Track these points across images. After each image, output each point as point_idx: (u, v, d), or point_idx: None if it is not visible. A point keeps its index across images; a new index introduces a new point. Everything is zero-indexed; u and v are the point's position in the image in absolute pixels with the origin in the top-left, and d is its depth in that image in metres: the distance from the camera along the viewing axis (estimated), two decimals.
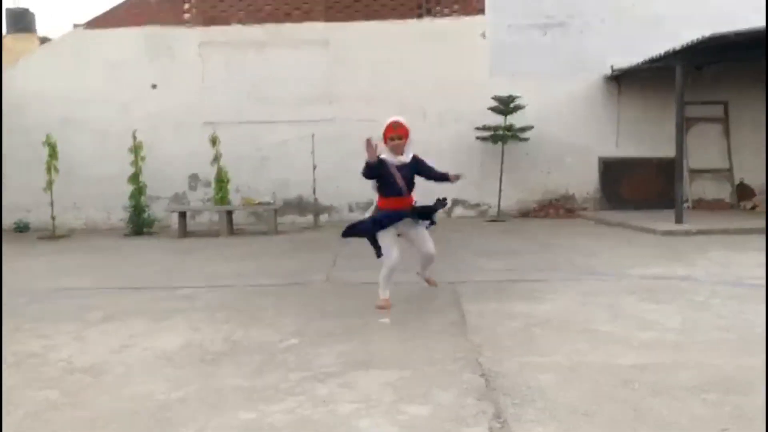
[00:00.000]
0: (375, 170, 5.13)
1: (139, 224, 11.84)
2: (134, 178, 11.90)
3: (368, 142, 4.94)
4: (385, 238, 5.27)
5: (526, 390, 3.36)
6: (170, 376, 3.76)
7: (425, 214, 5.44)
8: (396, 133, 5.19)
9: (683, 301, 5.33)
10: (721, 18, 10.92)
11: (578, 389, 3.35)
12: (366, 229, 5.35)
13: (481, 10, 13.08)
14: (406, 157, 5.27)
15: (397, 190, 5.21)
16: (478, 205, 13.33)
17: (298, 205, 13.17)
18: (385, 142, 5.20)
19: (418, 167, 5.37)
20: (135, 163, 11.89)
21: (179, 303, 5.79)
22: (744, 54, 10.92)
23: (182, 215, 11.53)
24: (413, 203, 5.36)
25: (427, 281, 5.96)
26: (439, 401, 3.24)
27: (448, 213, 13.28)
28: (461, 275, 6.72)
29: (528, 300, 5.50)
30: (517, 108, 12.31)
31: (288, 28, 13.01)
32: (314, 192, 12.65)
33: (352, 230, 5.47)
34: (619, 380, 3.46)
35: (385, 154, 5.17)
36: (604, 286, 6.05)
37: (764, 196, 12.49)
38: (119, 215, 12.54)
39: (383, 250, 5.30)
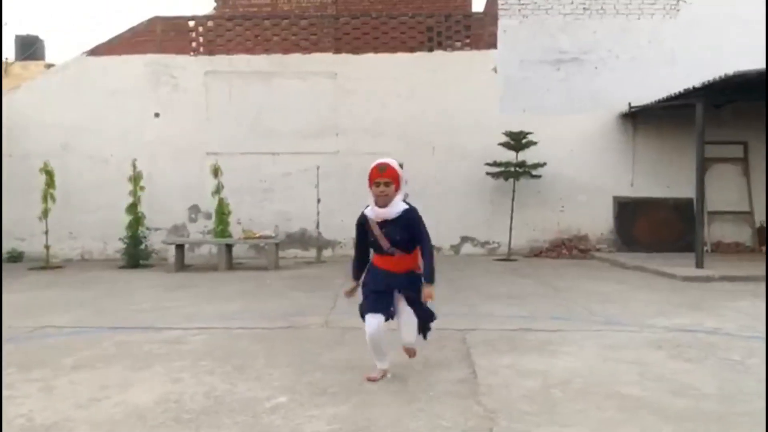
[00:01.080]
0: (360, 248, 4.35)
1: (136, 256, 11.41)
2: (132, 207, 11.51)
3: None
4: (367, 300, 4.24)
5: None
6: None
7: (412, 299, 4.26)
8: (381, 178, 4.04)
9: (717, 360, 4.81)
10: (737, 57, 10.53)
11: None
12: (362, 314, 4.27)
13: (492, 45, 12.79)
14: (393, 210, 4.09)
15: (381, 248, 4.19)
16: (487, 242, 12.84)
17: (301, 239, 12.73)
18: (370, 188, 4.12)
19: (410, 229, 4.13)
20: (134, 192, 11.52)
21: (163, 347, 5.31)
22: (765, 93, 10.53)
23: (180, 248, 11.10)
24: (411, 268, 4.23)
25: (408, 352, 4.57)
26: None
27: (456, 250, 12.81)
28: (470, 322, 6.22)
29: (544, 354, 4.99)
30: (529, 144, 11.92)
31: (295, 58, 12.72)
32: (318, 226, 12.22)
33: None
34: None
35: (369, 209, 4.18)
36: (626, 338, 5.54)
37: None
38: (116, 246, 12.09)
39: (362, 315, 4.26)
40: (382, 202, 4.10)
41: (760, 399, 3.88)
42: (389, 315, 4.23)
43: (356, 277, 4.35)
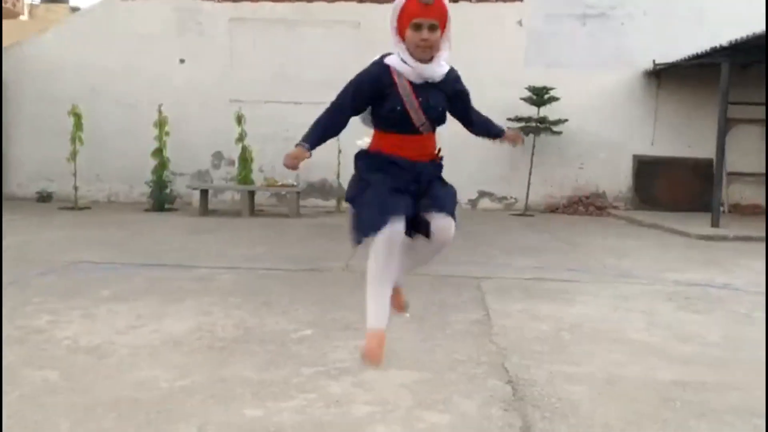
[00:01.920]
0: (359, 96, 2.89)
1: (161, 200, 11.71)
2: (158, 152, 11.76)
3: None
4: (378, 189, 2.81)
5: (557, 402, 3.09)
6: (177, 363, 3.55)
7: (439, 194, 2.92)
8: (428, 18, 2.70)
9: (724, 312, 5.00)
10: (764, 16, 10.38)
11: (614, 405, 3.07)
12: (369, 224, 2.75)
13: None
14: (440, 70, 2.86)
15: (409, 125, 2.85)
16: (504, 198, 12.98)
17: (322, 189, 12.94)
18: (401, 35, 2.79)
19: (458, 99, 3.02)
20: (159, 137, 11.74)
21: (192, 284, 5.59)
22: None
23: (204, 193, 11.37)
24: (435, 153, 3.01)
25: (397, 301, 3.19)
26: (461, 410, 2.98)
27: (474, 205, 12.96)
28: (486, 271, 6.43)
29: (557, 301, 5.20)
30: (552, 100, 11.91)
31: (319, 6, 12.71)
32: (338, 176, 12.40)
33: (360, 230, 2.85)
34: (659, 398, 3.17)
35: (394, 58, 2.83)
36: (637, 290, 5.73)
37: None
38: (141, 189, 12.41)
39: (368, 214, 2.77)
40: (426, 55, 2.80)
41: (762, 348, 4.06)
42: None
43: (312, 142, 2.90)
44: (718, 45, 9.85)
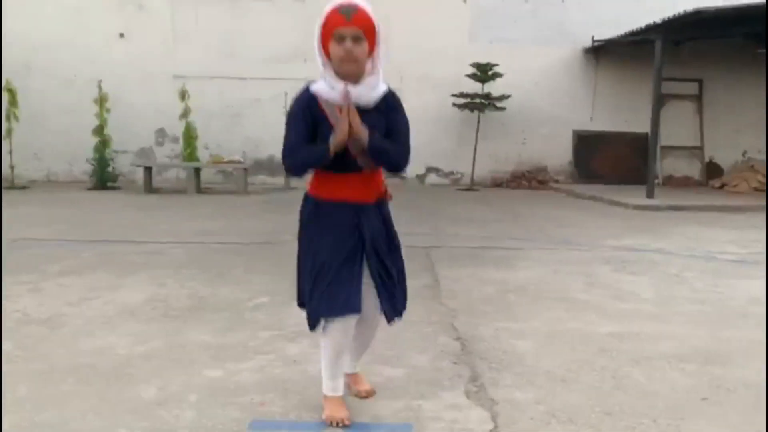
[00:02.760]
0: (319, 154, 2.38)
1: (103, 178, 11.46)
2: (99, 130, 11.48)
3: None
4: (326, 278, 2.45)
5: (502, 355, 3.28)
6: (132, 331, 3.59)
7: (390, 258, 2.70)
8: (349, 28, 2.30)
9: (657, 273, 5.31)
10: None
11: (556, 356, 3.28)
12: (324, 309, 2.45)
13: None
14: (375, 91, 2.42)
15: (346, 161, 2.41)
16: (451, 173, 13.22)
17: (269, 166, 12.88)
18: (326, 52, 2.36)
19: (391, 125, 2.50)
20: (100, 114, 11.46)
21: (144, 258, 5.57)
22: (723, 31, 10.93)
23: (148, 170, 11.17)
24: (382, 192, 2.60)
25: (361, 387, 2.80)
26: (414, 364, 3.14)
27: (422, 180, 13.16)
28: (435, 241, 6.62)
29: (502, 267, 5.42)
30: (495, 76, 12.15)
31: None
32: None
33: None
34: (597, 348, 3.40)
35: (320, 83, 2.38)
36: (577, 255, 6.01)
37: (732, 176, 12.63)
38: (82, 168, 12.10)
39: (328, 300, 2.43)
40: (353, 71, 2.36)
41: (691, 303, 4.37)
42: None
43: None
44: (652, 22, 10.22)
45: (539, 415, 2.59)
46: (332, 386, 2.58)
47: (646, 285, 4.88)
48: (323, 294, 2.43)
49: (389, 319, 2.63)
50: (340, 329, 2.46)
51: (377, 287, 2.57)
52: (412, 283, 4.71)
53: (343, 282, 2.42)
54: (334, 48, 2.31)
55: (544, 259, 5.78)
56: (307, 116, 2.39)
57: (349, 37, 2.29)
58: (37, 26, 12.27)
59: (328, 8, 2.33)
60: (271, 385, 2.86)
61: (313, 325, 2.51)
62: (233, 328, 3.67)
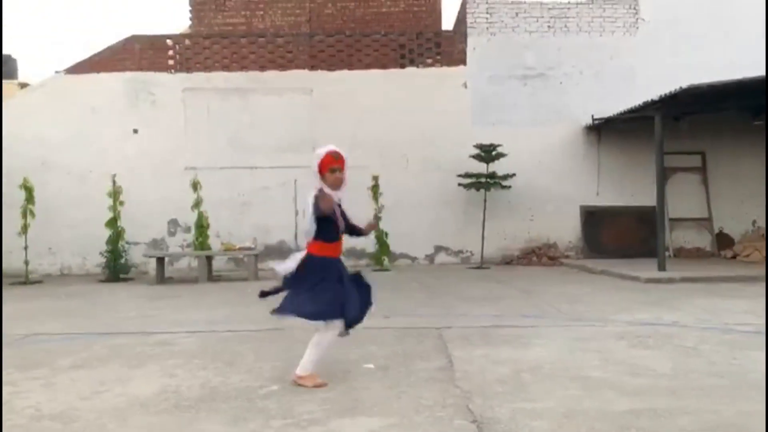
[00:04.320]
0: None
1: (116, 270, 11.56)
2: (112, 222, 11.68)
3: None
4: (333, 288, 4.22)
5: None
6: (144, 423, 3.55)
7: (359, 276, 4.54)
8: (338, 165, 4.18)
9: (673, 347, 5.24)
10: (695, 71, 11.15)
11: None
12: (333, 311, 4.23)
13: (462, 61, 13.30)
14: (342, 194, 4.34)
15: (335, 233, 4.29)
16: (460, 251, 13.26)
17: (279, 251, 12.95)
18: (323, 175, 4.19)
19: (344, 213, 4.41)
20: (113, 207, 11.70)
21: (154, 349, 5.56)
22: (718, 105, 11.19)
23: (161, 260, 11.29)
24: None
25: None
26: None
27: (431, 260, 13.19)
28: (446, 321, 6.57)
29: (516, 346, 5.36)
30: (499, 156, 12.39)
31: (271, 75, 13.09)
32: (296, 238, 12.52)
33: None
34: (615, 426, 3.33)
35: (327, 190, 4.20)
36: (591, 331, 5.95)
37: (744, 246, 12.59)
38: (95, 260, 12.23)
39: (332, 306, 4.19)
40: (340, 185, 4.24)
41: (709, 377, 4.29)
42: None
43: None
44: (649, 99, 10.50)
45: None
46: (312, 366, 4.31)
47: (662, 359, 4.80)
48: (333, 305, 4.21)
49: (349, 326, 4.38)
50: (337, 326, 4.28)
51: (353, 298, 4.31)
52: (424, 365, 4.73)
53: (348, 302, 4.25)
54: (330, 176, 4.20)
55: (557, 337, 5.71)
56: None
57: (338, 170, 4.21)
58: (55, 125, 12.75)
59: (323, 152, 4.24)
60: None
61: (325, 320, 4.27)
62: (245, 417, 3.63)
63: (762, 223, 13.06)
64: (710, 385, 4.09)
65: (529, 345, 5.40)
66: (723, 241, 13.28)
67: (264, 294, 4.67)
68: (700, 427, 3.28)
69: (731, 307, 7.17)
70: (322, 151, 4.24)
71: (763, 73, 9.59)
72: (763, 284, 8.98)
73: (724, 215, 13.35)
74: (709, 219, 13.40)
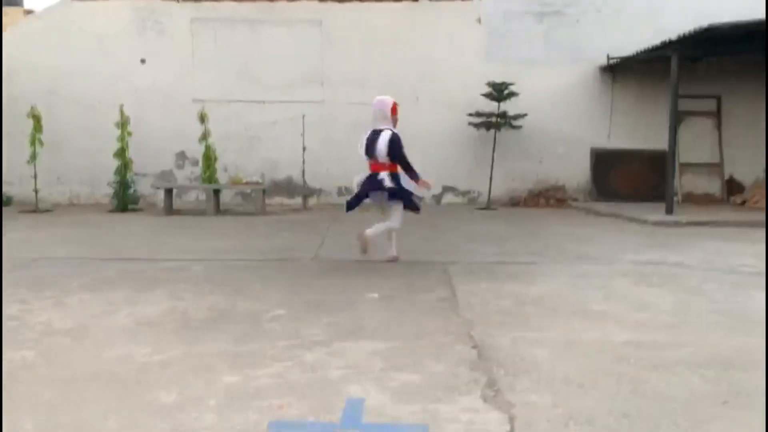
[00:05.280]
0: None
1: (125, 200, 11.62)
2: (120, 153, 11.67)
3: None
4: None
5: (519, 362, 3.27)
6: (152, 341, 3.64)
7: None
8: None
9: (676, 285, 5.27)
10: (716, 12, 10.86)
11: (573, 363, 3.27)
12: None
13: None
14: None
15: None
16: (468, 192, 13.23)
17: (287, 187, 13.00)
18: (393, 116, 6.10)
19: None
20: (121, 137, 11.66)
21: (163, 274, 5.64)
22: (738, 47, 10.90)
23: (169, 192, 11.32)
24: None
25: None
26: (430, 370, 3.15)
27: (438, 200, 13.19)
28: (452, 257, 6.62)
29: (519, 281, 5.41)
30: (511, 95, 12.20)
31: (281, 6, 12.77)
32: (303, 174, 12.51)
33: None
34: (614, 356, 3.38)
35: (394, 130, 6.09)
36: (595, 269, 5.98)
37: (753, 192, 12.50)
38: (104, 191, 12.30)
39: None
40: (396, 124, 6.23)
41: (710, 314, 4.33)
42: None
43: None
44: (667, 39, 10.24)
45: (556, 417, 2.58)
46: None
47: (664, 296, 4.84)
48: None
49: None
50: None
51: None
52: (428, 297, 4.79)
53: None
54: (395, 117, 6.14)
55: (561, 274, 5.75)
56: None
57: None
58: (62, 54, 12.59)
59: (390, 98, 6.15)
60: (290, 389, 2.89)
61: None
62: (251, 337, 3.71)
63: None
64: (710, 322, 4.13)
65: (533, 281, 5.44)
66: (733, 187, 13.17)
67: (349, 207, 6.19)
68: (699, 359, 3.32)
69: (736, 250, 7.16)
70: (388, 98, 6.14)
71: None
72: None
73: (735, 161, 13.19)
74: (721, 165, 13.26)
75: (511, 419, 2.56)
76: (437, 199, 13.19)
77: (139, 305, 4.50)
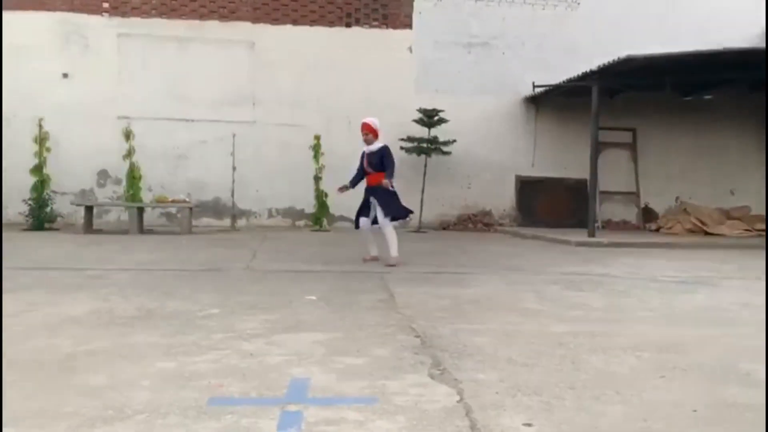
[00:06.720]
0: None
1: (41, 219, 11.02)
2: (37, 169, 11.11)
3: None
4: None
5: (462, 348, 3.26)
6: (77, 334, 3.42)
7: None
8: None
9: (605, 290, 5.43)
10: (632, 47, 11.48)
11: (515, 347, 3.29)
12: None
13: (408, 25, 13.25)
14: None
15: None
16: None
17: (215, 208, 12.69)
18: (376, 135, 7.55)
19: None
20: (39, 153, 11.12)
21: (85, 281, 5.34)
22: (653, 80, 11.58)
23: (89, 209, 10.82)
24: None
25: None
26: (375, 354, 3.09)
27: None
28: (387, 268, 6.60)
29: (455, 286, 5.44)
30: (441, 121, 12.46)
31: (213, 25, 12.65)
32: (233, 195, 12.27)
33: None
34: (554, 342, 3.43)
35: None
36: (526, 278, 6.10)
37: (667, 219, 13.18)
38: (17, 208, 11.61)
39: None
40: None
41: (641, 311, 4.48)
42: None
43: None
44: (588, 69, 10.77)
45: (504, 389, 2.58)
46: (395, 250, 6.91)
47: (595, 299, 4.97)
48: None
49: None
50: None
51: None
52: (367, 298, 4.73)
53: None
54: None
55: (495, 281, 5.83)
56: None
57: None
58: None
59: (366, 119, 7.65)
60: (229, 372, 2.76)
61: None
62: (184, 331, 3.54)
63: (684, 199, 13.70)
64: (642, 316, 4.27)
65: (469, 285, 5.49)
66: (648, 215, 13.85)
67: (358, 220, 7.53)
68: (636, 343, 3.42)
69: (657, 264, 7.49)
70: (375, 120, 7.57)
71: (700, 48, 9.96)
72: (683, 249, 9.49)
73: (650, 191, 13.91)
74: (637, 194, 13.94)
75: (460, 392, 2.53)
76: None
77: (62, 306, 4.23)
